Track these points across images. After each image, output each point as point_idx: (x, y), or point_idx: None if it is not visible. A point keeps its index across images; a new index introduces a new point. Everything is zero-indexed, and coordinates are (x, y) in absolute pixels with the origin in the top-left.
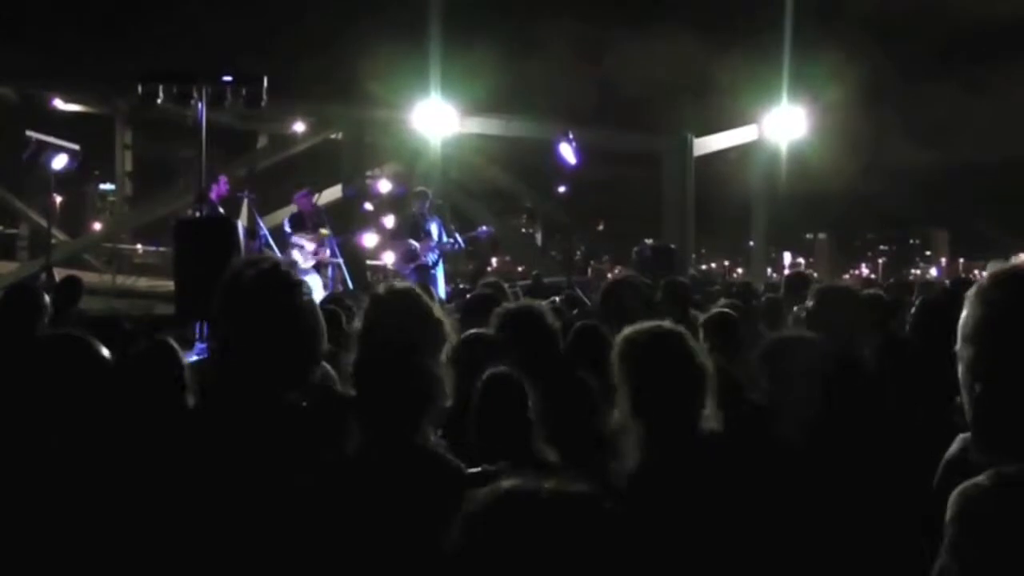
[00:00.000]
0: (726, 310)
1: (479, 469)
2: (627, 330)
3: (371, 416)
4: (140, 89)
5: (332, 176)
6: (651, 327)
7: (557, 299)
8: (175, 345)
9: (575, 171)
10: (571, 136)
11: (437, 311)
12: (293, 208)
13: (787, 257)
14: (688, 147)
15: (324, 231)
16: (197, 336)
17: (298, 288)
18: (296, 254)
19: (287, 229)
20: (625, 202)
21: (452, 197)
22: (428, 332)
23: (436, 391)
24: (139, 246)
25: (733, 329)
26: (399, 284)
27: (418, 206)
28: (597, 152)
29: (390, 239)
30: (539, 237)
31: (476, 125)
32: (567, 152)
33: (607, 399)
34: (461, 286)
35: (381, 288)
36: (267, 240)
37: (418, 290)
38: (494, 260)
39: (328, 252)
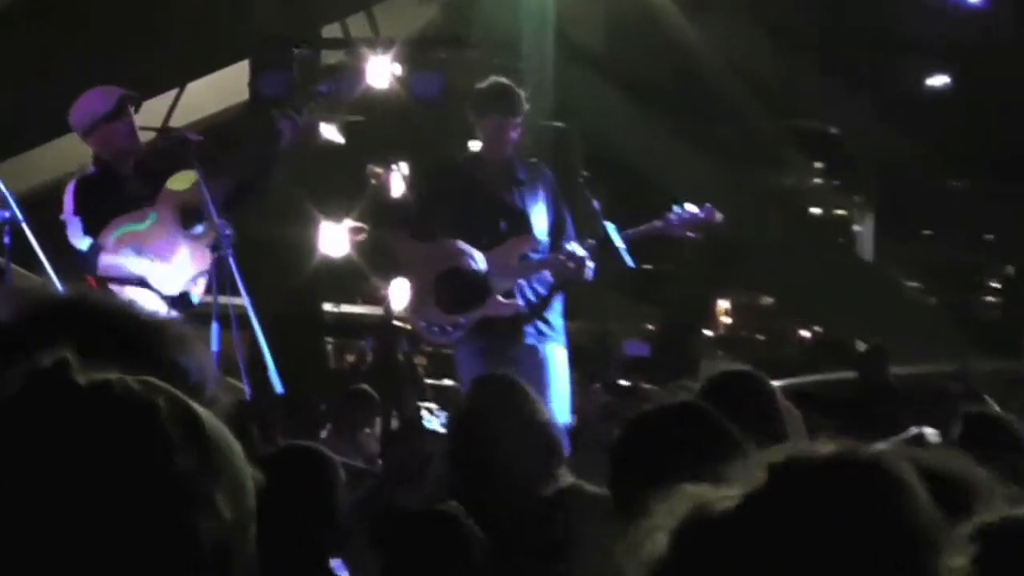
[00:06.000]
0: None
1: None
2: None
3: None
4: None
5: (220, 40)
6: None
7: (928, 432)
8: None
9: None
10: None
11: None
12: (85, 160)
13: None
14: None
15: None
16: None
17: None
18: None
19: (75, 234)
20: None
21: (591, 113)
22: None
23: None
24: None
25: None
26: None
27: (492, 131)
28: None
29: (404, 234)
30: (864, 229)
31: None
32: None
33: None
34: (630, 386)
35: None
36: (16, 224)
37: None
38: (724, 307)
39: (204, 280)
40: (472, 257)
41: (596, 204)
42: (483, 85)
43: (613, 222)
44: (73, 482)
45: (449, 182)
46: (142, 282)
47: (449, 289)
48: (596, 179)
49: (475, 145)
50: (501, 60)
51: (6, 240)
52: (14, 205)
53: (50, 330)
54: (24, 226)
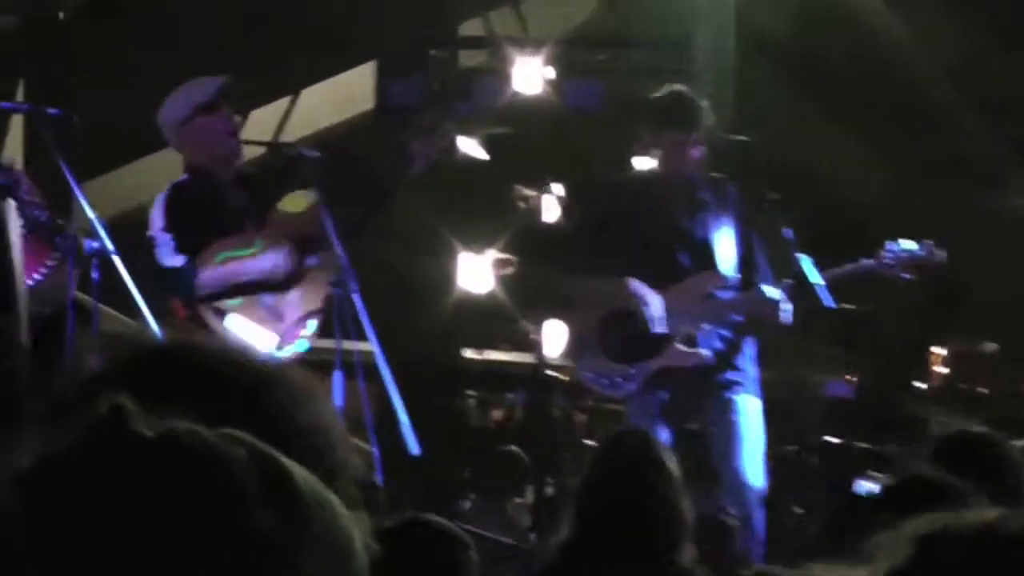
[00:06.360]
0: None
1: None
2: None
3: None
4: None
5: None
6: None
7: None
8: None
9: None
10: None
11: None
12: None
13: None
14: None
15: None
16: None
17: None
18: (231, 323)
19: (166, 254)
20: None
21: (779, 124)
22: None
23: None
24: None
25: None
26: None
27: (670, 149)
28: None
29: (561, 267)
30: None
31: None
32: None
33: None
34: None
35: None
36: (106, 256)
37: None
38: (940, 354)
39: (318, 322)
40: (647, 296)
41: (788, 232)
42: (659, 95)
43: (807, 253)
44: (133, 538)
45: (617, 204)
46: (252, 288)
47: (619, 334)
48: (786, 203)
49: (641, 163)
50: (671, 63)
51: (94, 275)
52: (103, 234)
53: (147, 383)
54: (116, 258)
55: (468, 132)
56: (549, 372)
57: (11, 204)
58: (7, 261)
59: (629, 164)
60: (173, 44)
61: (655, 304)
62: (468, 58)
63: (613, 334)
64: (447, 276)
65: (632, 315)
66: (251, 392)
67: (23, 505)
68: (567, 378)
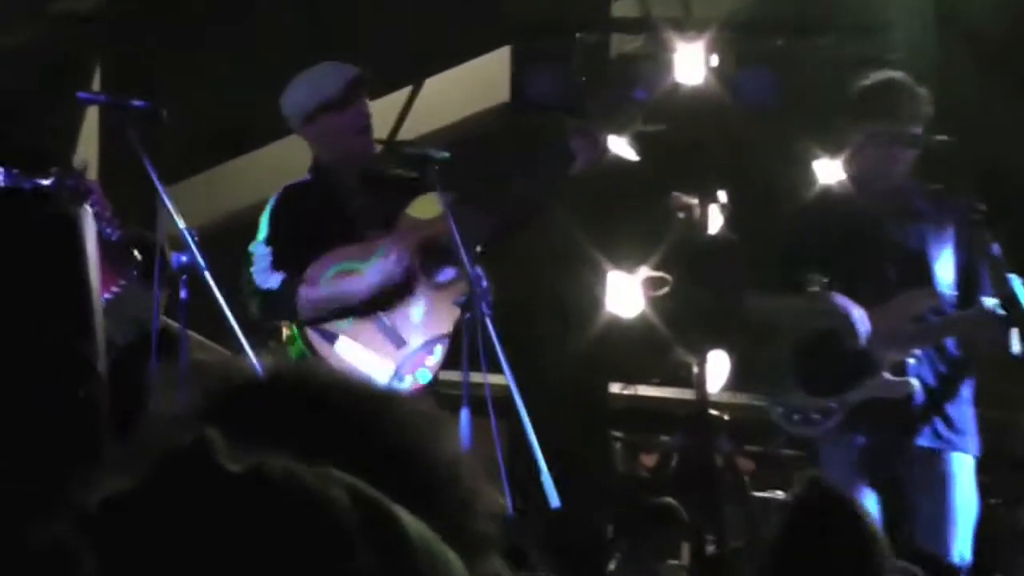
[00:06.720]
0: None
1: None
2: None
3: None
4: None
5: None
6: None
7: None
8: None
9: None
10: None
11: None
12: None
13: None
14: None
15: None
16: None
17: None
18: (341, 348)
19: (261, 270)
20: None
21: (987, 123)
22: None
23: None
24: None
25: None
26: None
27: (879, 144)
28: None
29: (731, 285)
30: None
31: None
32: None
33: None
34: None
35: None
36: (197, 272)
37: None
38: None
39: (444, 348)
40: (853, 311)
41: (995, 248)
42: (869, 82)
43: (1019, 272)
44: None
45: (809, 211)
46: (362, 309)
47: (820, 359)
48: (994, 213)
49: (824, 167)
50: (862, 52)
51: (182, 295)
52: (194, 247)
53: (243, 418)
54: (207, 275)
55: (617, 129)
56: (711, 410)
57: (88, 211)
58: (85, 277)
59: (809, 168)
60: (275, 26)
61: (863, 321)
62: (621, 43)
63: (813, 360)
64: (592, 298)
65: (835, 336)
66: (368, 426)
67: (91, 546)
68: (731, 417)
